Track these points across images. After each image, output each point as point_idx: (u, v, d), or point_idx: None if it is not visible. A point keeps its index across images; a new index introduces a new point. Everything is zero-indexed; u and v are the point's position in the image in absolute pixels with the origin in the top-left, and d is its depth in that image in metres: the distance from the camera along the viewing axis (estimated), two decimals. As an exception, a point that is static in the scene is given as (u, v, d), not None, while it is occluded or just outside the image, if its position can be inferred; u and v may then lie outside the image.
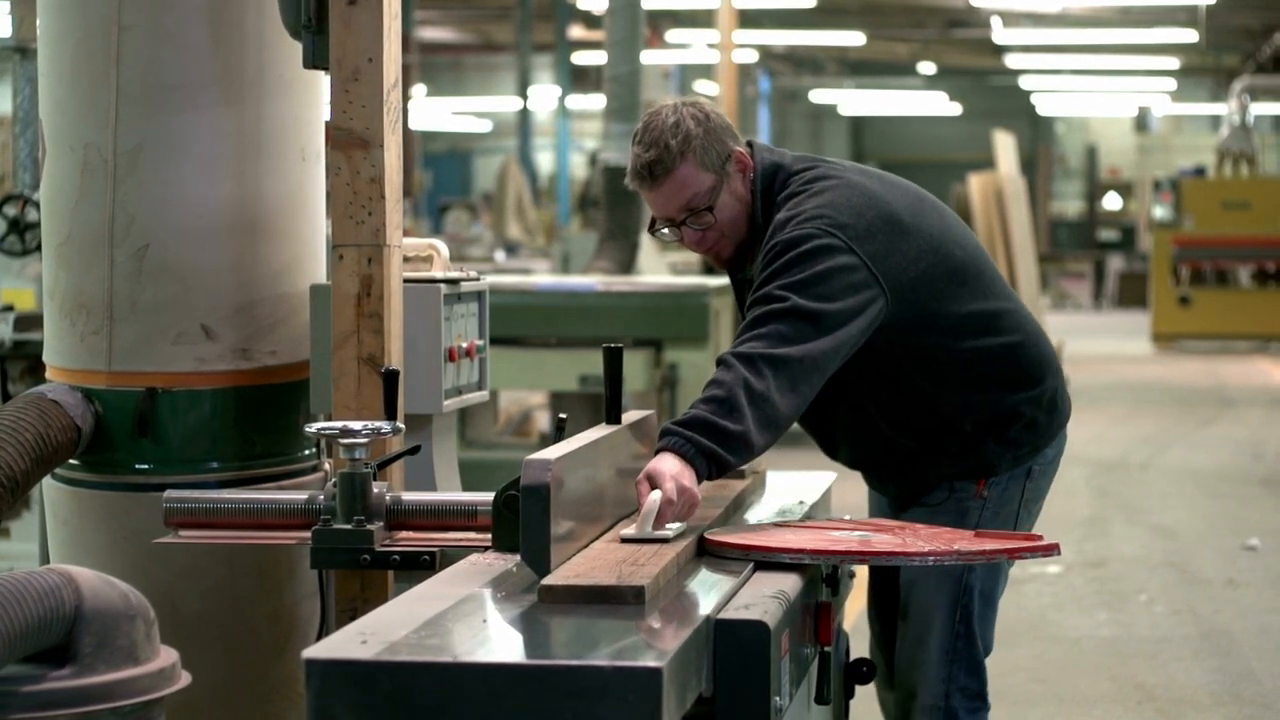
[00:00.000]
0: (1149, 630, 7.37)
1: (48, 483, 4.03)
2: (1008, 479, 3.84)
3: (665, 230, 3.81)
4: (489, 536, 3.37)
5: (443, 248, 4.13)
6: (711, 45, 21.57)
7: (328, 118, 3.89)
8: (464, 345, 4.06)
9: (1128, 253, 32.11)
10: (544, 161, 33.74)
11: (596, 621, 2.82)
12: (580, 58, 27.68)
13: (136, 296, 3.92)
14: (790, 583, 3.16)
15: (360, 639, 2.67)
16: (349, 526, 3.49)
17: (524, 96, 27.66)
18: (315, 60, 3.86)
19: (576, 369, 9.14)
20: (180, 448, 3.95)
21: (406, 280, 3.92)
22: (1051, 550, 3.37)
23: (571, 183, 27.80)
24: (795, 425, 3.73)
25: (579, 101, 29.57)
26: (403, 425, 3.68)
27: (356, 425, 3.51)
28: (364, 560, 3.49)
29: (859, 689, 3.83)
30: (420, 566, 3.47)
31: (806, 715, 3.35)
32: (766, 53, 30.79)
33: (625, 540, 3.29)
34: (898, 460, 3.86)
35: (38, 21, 4.05)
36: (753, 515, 3.81)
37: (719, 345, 9.01)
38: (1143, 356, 21.00)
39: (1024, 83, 34.87)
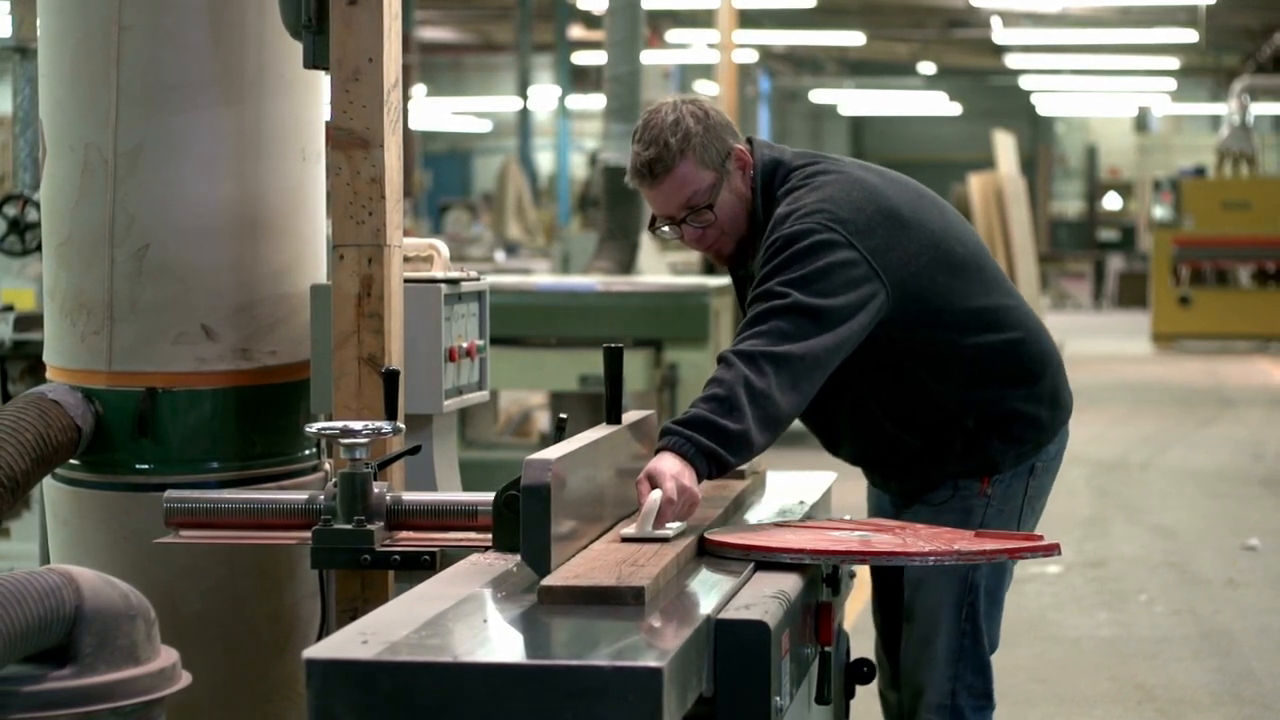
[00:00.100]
0: (1149, 630, 7.37)
1: (48, 483, 4.03)
2: (1011, 476, 3.84)
3: (666, 228, 3.80)
4: (489, 536, 3.37)
5: (443, 248, 4.13)
6: (711, 45, 21.56)
7: (328, 118, 3.89)
8: (464, 345, 4.06)
9: (1128, 253, 32.10)
10: (544, 161, 33.72)
11: (596, 622, 2.82)
12: (580, 58, 27.67)
13: (137, 296, 3.92)
14: (790, 583, 3.16)
15: (361, 639, 2.67)
16: (349, 526, 3.49)
17: (524, 96, 27.64)
18: (315, 60, 3.85)
19: (576, 369, 9.15)
20: (180, 448, 3.95)
21: (407, 280, 3.91)
22: (1052, 550, 3.37)
23: (571, 183, 27.79)
24: (797, 425, 3.73)
25: (579, 101, 29.56)
26: (403, 425, 3.68)
27: (357, 425, 3.51)
28: (364, 560, 3.49)
29: (859, 689, 3.83)
30: (420, 566, 3.47)
31: (807, 715, 3.35)
32: (766, 53, 30.77)
33: (625, 539, 3.29)
34: (901, 458, 3.86)
35: (38, 21, 4.05)
36: (753, 515, 3.81)
37: (719, 345, 9.01)
38: (1143, 356, 20.99)
39: (1024, 83, 34.85)
